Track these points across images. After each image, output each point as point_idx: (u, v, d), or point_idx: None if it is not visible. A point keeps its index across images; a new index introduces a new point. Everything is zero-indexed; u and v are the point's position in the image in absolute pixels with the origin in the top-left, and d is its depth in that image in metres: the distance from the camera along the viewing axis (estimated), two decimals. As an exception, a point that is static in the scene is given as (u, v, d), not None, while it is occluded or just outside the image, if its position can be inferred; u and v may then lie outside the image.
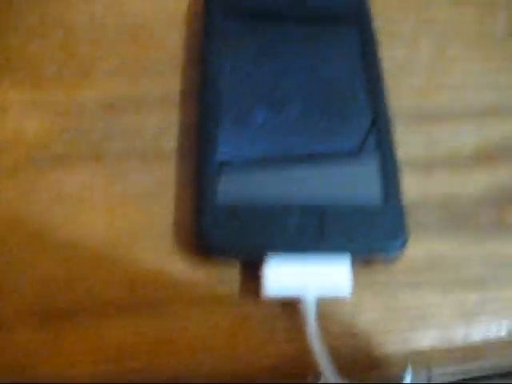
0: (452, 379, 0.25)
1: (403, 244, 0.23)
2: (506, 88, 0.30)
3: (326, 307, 0.23)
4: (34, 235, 0.24)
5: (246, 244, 0.23)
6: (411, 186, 0.26)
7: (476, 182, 0.27)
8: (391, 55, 0.29)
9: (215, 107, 0.26)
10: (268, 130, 0.26)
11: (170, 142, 0.26)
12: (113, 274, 0.23)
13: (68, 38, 0.28)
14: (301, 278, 0.23)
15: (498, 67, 0.30)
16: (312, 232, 0.23)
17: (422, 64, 0.30)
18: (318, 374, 0.21)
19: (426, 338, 0.23)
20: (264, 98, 0.26)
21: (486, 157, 0.28)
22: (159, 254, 0.24)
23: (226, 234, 0.23)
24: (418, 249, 0.25)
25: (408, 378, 0.22)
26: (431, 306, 0.24)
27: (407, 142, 0.27)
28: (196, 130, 0.26)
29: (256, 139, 0.25)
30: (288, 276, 0.23)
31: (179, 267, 0.24)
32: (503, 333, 0.24)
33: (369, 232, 0.23)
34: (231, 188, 0.24)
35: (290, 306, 0.23)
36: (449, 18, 0.32)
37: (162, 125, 0.26)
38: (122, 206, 0.25)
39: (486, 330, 0.24)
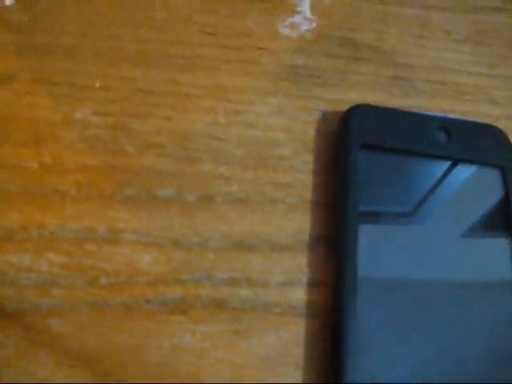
0: None
1: None
2: None
3: None
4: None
5: None
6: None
7: None
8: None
9: (350, 267, 0.23)
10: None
11: (298, 295, 0.24)
12: None
13: (187, 151, 0.26)
14: None
15: None
16: None
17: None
18: None
19: None
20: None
21: None
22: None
23: None
24: None
25: None
26: None
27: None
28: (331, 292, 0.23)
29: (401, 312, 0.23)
30: None
31: None
32: None
33: None
34: (372, 369, 0.22)
35: None
36: None
37: (290, 273, 0.24)
38: (246, 365, 0.22)
39: None
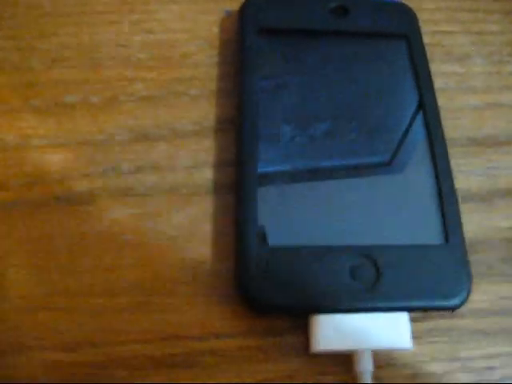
0: None
1: (466, 298, 0.21)
2: None
3: (382, 358, 0.21)
4: (58, 281, 0.22)
5: (294, 304, 0.21)
6: (471, 221, 0.23)
7: (542, 213, 0.24)
8: (444, 72, 0.27)
9: (252, 131, 0.23)
10: (311, 151, 0.23)
11: (204, 175, 0.24)
12: (146, 323, 0.21)
13: (93, 61, 0.26)
14: (354, 330, 0.20)
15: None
16: (365, 291, 0.21)
17: (477, 81, 0.27)
18: None
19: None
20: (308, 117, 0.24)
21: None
22: (196, 301, 0.22)
23: (272, 293, 0.20)
24: (481, 292, 0.22)
25: None
26: (500, 356, 0.22)
27: (464, 171, 0.25)
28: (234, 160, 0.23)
29: (295, 160, 0.23)
30: (340, 328, 0.20)
31: (219, 317, 0.21)
32: None
33: (428, 289, 0.21)
34: (275, 228, 0.22)
35: (343, 359, 0.21)
36: (501, 29, 0.29)
37: (195, 156, 0.24)
38: (154, 246, 0.22)
39: None
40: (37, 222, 0.23)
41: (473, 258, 0.22)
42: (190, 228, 0.23)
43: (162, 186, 0.24)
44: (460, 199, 0.23)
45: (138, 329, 0.21)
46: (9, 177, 0.24)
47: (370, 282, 0.21)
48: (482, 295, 0.23)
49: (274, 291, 0.21)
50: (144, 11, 0.28)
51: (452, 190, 0.23)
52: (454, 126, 0.26)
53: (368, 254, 0.21)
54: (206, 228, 0.23)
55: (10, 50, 0.26)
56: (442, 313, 0.22)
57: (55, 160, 0.24)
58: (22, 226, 0.23)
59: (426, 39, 0.27)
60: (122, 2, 0.28)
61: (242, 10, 0.26)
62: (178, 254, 0.22)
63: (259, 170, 0.22)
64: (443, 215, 0.22)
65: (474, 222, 0.24)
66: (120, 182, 0.24)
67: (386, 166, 0.24)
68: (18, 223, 0.23)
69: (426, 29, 0.27)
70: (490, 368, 0.21)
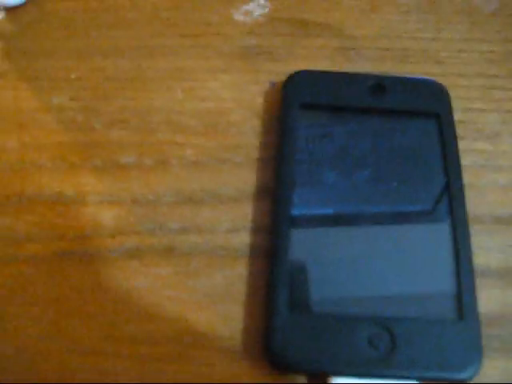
0: None
1: (477, 372, 0.23)
2: None
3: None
4: (105, 328, 0.24)
5: (314, 365, 0.23)
6: (488, 296, 0.25)
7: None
8: (473, 149, 0.29)
9: (288, 203, 0.25)
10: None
11: (242, 239, 0.26)
12: (180, 374, 0.24)
13: (148, 125, 0.29)
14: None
15: None
16: (380, 359, 0.23)
17: (505, 159, 0.29)
18: None
19: None
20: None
21: None
22: (227, 357, 0.24)
23: (295, 354, 0.23)
24: (494, 367, 0.24)
25: None
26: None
27: (485, 247, 0.26)
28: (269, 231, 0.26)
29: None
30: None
31: (247, 371, 0.24)
32: None
33: (440, 361, 0.23)
34: (303, 297, 0.24)
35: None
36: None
37: (235, 221, 0.26)
38: (192, 303, 0.25)
39: None
40: (88, 273, 0.26)
41: (487, 332, 0.24)
42: (226, 287, 0.25)
43: (203, 246, 0.26)
44: (479, 274, 0.25)
45: (173, 377, 0.24)
46: (65, 228, 0.26)
47: (386, 351, 0.23)
48: (494, 370, 0.24)
49: (297, 353, 0.23)
50: (195, 79, 0.30)
51: (470, 267, 0.25)
52: (478, 202, 0.27)
53: (386, 325, 0.23)
54: (241, 288, 0.25)
55: (75, 111, 0.29)
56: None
57: (109, 216, 0.27)
58: (75, 275, 0.25)
59: (458, 116, 0.29)
60: (175, 70, 0.31)
61: (285, 84, 0.28)
62: (213, 311, 0.25)
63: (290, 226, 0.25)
64: (459, 291, 0.24)
65: (491, 298, 0.25)
66: (165, 240, 0.26)
67: (408, 239, 0.26)
68: (71, 272, 0.26)
69: (458, 106, 0.29)
70: None
